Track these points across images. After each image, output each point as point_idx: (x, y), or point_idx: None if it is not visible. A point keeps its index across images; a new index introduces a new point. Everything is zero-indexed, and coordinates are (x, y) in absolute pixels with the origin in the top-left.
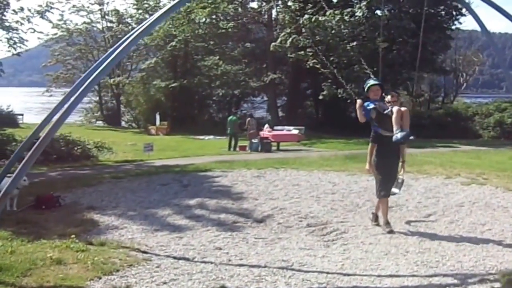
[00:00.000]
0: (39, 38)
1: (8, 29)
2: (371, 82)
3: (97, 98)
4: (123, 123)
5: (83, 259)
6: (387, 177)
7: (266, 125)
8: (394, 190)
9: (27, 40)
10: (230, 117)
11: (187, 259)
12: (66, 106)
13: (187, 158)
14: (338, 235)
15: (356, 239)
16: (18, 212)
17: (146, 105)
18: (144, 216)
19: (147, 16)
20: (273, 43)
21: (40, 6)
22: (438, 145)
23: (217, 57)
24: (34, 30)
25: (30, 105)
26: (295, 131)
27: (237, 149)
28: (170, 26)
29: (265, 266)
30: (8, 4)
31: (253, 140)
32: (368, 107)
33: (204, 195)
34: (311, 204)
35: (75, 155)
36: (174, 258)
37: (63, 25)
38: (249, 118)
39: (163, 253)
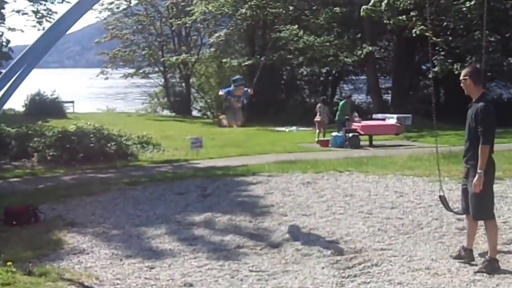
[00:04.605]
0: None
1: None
2: None
3: (163, 81)
4: (194, 112)
5: None
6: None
7: (355, 113)
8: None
9: (56, 12)
10: (342, 102)
11: None
12: None
13: (245, 157)
14: (366, 269)
15: (386, 276)
16: None
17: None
18: (127, 237)
19: None
20: (364, 6)
21: None
22: None
23: (296, 26)
24: (63, 0)
25: (93, 90)
26: (392, 121)
27: (319, 141)
28: None
29: None
30: None
31: (338, 134)
32: None
33: (220, 208)
34: (353, 223)
35: (108, 153)
36: None
37: None
38: (319, 104)
39: None
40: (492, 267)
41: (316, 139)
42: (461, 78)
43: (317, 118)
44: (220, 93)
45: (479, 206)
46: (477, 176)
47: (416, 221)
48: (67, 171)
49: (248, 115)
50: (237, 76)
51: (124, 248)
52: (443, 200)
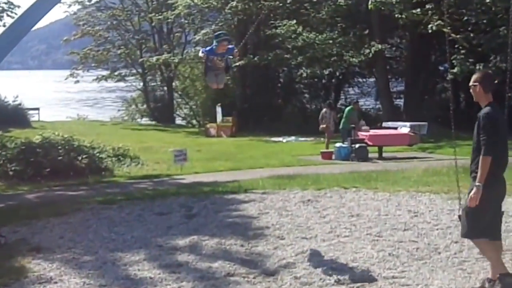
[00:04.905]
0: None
1: None
2: None
3: (141, 84)
4: (178, 120)
5: None
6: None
7: (362, 121)
8: None
9: (18, 6)
10: (348, 108)
11: None
12: None
13: (236, 171)
14: None
15: None
16: None
17: (206, 93)
18: (100, 264)
19: None
20: None
21: None
22: None
23: (294, 21)
24: None
25: (62, 95)
26: (405, 130)
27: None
28: None
29: None
30: None
31: (342, 145)
32: None
33: (208, 230)
34: (360, 248)
35: (79, 167)
36: None
37: None
38: (325, 108)
39: None
40: (504, 283)
41: (325, 149)
42: (470, 84)
43: (322, 125)
44: (201, 54)
45: (470, 223)
46: (474, 188)
47: (432, 244)
48: (32, 188)
49: (239, 124)
50: (220, 31)
51: (97, 276)
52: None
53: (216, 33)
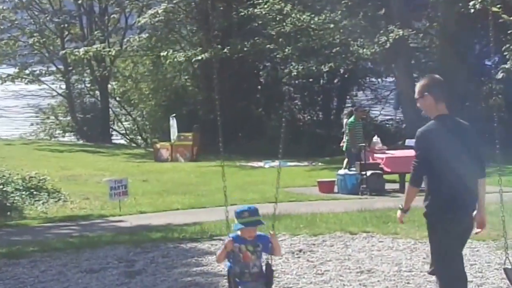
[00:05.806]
0: None
1: None
2: None
3: (64, 87)
4: (116, 137)
5: None
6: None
7: (376, 138)
8: None
9: None
10: (350, 119)
11: None
12: None
13: (198, 210)
14: None
15: None
16: None
17: (156, 99)
18: None
19: None
20: None
21: None
22: None
23: None
24: None
25: None
26: None
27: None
28: None
29: None
30: None
31: (348, 171)
32: None
33: None
34: None
35: None
36: None
37: None
38: (345, 119)
39: None
40: None
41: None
42: (417, 96)
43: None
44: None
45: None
46: None
47: None
48: None
49: (203, 142)
50: (244, 207)
51: None
52: (509, 275)
53: (239, 210)
